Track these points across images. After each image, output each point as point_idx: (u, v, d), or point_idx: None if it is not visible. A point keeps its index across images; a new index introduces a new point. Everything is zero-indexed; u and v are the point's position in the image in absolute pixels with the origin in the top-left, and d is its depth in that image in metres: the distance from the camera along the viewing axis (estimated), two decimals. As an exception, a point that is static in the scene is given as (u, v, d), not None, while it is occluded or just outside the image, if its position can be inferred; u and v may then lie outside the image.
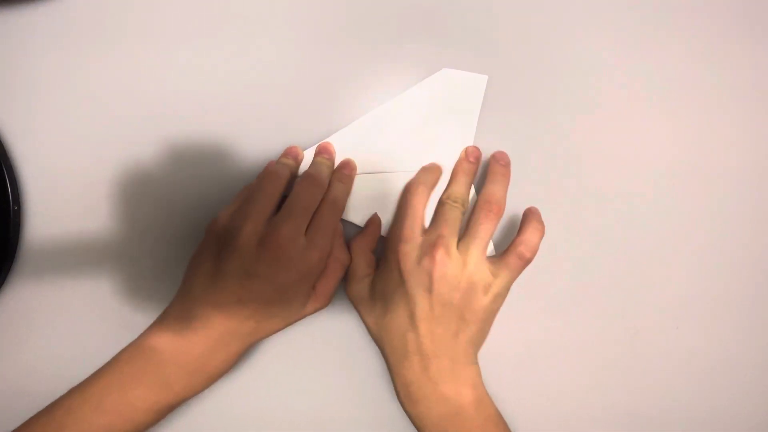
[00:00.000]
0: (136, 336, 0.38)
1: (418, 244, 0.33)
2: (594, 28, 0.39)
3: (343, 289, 0.36)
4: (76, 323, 0.38)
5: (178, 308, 0.33)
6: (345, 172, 0.36)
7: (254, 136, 0.37)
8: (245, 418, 0.39)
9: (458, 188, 0.36)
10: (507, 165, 0.36)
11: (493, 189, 0.35)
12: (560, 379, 0.39)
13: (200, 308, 0.31)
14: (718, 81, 0.39)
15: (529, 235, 0.34)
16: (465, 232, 0.34)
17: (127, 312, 0.38)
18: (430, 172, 0.36)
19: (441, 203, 0.35)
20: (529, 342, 0.38)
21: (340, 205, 0.34)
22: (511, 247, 0.34)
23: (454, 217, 0.34)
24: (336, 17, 0.38)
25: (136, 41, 0.37)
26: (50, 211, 0.38)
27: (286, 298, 0.32)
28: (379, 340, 0.34)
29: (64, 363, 0.38)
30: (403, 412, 0.34)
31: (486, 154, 0.38)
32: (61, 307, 0.38)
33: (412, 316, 0.32)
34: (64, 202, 0.38)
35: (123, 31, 0.37)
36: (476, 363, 0.34)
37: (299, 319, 0.34)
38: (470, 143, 0.37)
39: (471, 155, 0.37)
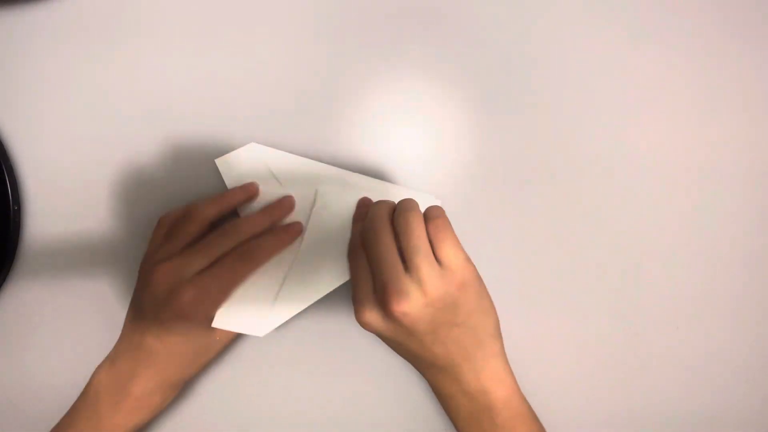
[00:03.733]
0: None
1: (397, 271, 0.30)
2: (594, 29, 0.39)
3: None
4: (76, 323, 0.38)
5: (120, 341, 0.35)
6: (282, 230, 0.35)
7: (254, 136, 0.37)
8: (250, 419, 0.39)
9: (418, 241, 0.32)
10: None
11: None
12: (560, 379, 0.39)
13: (127, 339, 0.34)
14: (717, 81, 0.39)
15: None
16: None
17: (126, 311, 0.38)
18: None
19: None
20: (530, 342, 0.38)
21: (254, 257, 0.34)
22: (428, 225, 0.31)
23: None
24: (337, 17, 0.38)
25: (136, 41, 0.37)
26: (50, 211, 0.38)
27: (179, 331, 0.33)
28: (405, 356, 0.34)
29: (63, 362, 0.38)
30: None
31: (488, 155, 0.38)
32: (61, 307, 0.38)
33: (425, 336, 0.31)
34: (64, 202, 0.38)
35: (123, 32, 0.37)
36: (501, 356, 0.33)
37: (214, 350, 0.35)
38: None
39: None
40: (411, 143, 0.38)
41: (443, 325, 0.31)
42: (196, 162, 0.37)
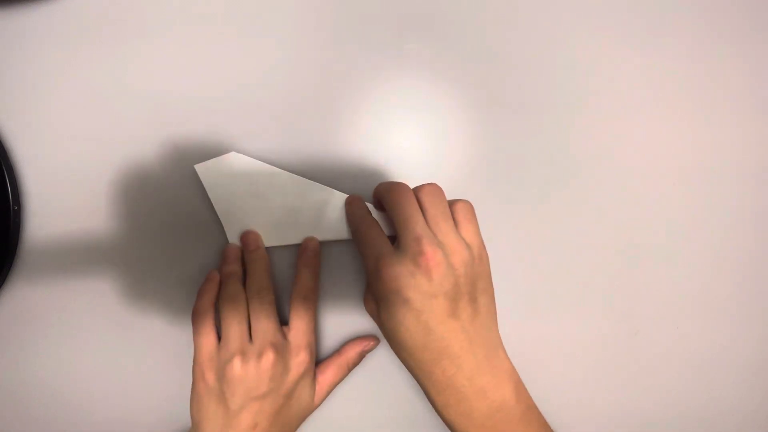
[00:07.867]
0: (135, 337, 0.38)
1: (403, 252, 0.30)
2: (594, 29, 0.39)
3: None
4: (76, 323, 0.38)
5: None
6: (310, 258, 0.36)
7: (254, 136, 0.37)
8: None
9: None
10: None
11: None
12: (560, 379, 0.39)
13: None
14: (718, 81, 0.39)
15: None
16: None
17: (127, 312, 0.38)
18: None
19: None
20: (530, 342, 0.38)
21: (314, 296, 0.36)
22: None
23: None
24: (336, 17, 0.38)
25: (136, 41, 0.37)
26: (50, 211, 0.38)
27: (296, 398, 0.34)
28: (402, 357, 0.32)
29: (64, 363, 0.38)
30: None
31: (489, 155, 0.38)
32: (61, 307, 0.38)
33: (421, 318, 0.29)
34: (64, 202, 0.38)
35: (123, 31, 0.38)
36: (502, 346, 0.32)
37: (310, 414, 0.36)
38: None
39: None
40: (411, 143, 0.38)
41: (463, 296, 0.30)
42: (197, 162, 0.37)
